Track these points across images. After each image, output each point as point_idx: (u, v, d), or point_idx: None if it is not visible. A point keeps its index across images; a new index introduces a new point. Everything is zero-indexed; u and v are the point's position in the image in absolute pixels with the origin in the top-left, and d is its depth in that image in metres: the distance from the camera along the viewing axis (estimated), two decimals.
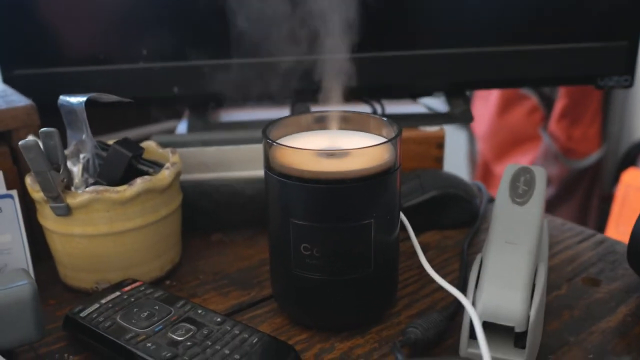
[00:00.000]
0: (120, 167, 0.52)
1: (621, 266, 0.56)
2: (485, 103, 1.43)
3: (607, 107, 1.27)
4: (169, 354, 0.41)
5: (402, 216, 0.50)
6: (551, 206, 1.30)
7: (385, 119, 0.49)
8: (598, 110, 1.27)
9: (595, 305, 0.50)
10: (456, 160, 1.57)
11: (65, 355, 0.46)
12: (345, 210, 0.44)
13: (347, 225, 0.44)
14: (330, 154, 0.45)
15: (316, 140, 0.49)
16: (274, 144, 0.45)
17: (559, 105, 1.28)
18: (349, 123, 0.50)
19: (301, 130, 0.50)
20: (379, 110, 0.72)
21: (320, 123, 0.50)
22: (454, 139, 1.62)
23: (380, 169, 0.44)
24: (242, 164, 0.61)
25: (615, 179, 1.25)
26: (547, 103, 1.32)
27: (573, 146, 1.29)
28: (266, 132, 0.46)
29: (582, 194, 1.30)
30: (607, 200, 1.27)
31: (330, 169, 0.43)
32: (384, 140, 0.47)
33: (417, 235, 0.60)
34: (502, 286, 0.43)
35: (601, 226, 1.26)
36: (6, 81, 0.65)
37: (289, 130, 0.49)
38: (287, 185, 0.44)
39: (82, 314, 0.46)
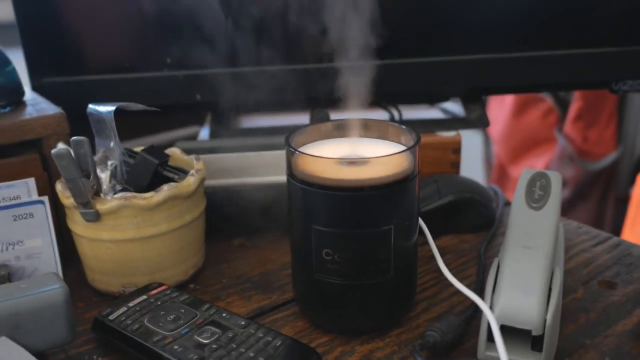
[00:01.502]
0: (147, 174, 0.53)
1: (637, 269, 0.56)
2: (501, 106, 1.43)
3: (623, 108, 1.27)
4: (195, 357, 0.43)
5: (421, 221, 0.51)
6: (567, 208, 1.31)
7: (404, 126, 0.50)
8: (614, 111, 1.27)
9: (611, 308, 0.51)
10: (472, 164, 1.57)
11: (95, 356, 0.48)
12: (365, 216, 0.45)
13: (367, 232, 0.45)
14: (351, 162, 0.46)
15: (337, 148, 0.50)
16: (297, 152, 0.47)
17: (574, 107, 1.29)
18: (369, 130, 0.52)
19: (322, 138, 0.51)
20: (396, 116, 0.73)
21: (341, 131, 0.52)
22: (470, 142, 1.63)
23: (399, 176, 0.45)
24: (263, 169, 0.63)
25: (631, 181, 1.25)
26: (563, 105, 1.33)
27: (588, 148, 1.29)
28: (288, 141, 0.48)
29: (598, 196, 1.30)
30: (623, 202, 1.28)
31: (351, 177, 0.45)
32: (404, 148, 0.48)
33: (434, 239, 0.61)
34: (519, 290, 0.44)
35: (617, 228, 1.26)
36: (35, 89, 0.67)
37: (310, 138, 0.51)
38: (309, 192, 0.45)
39: (111, 317, 0.48)
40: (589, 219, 1.31)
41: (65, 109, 0.59)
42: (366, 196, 0.44)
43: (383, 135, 0.51)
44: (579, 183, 1.31)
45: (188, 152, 0.60)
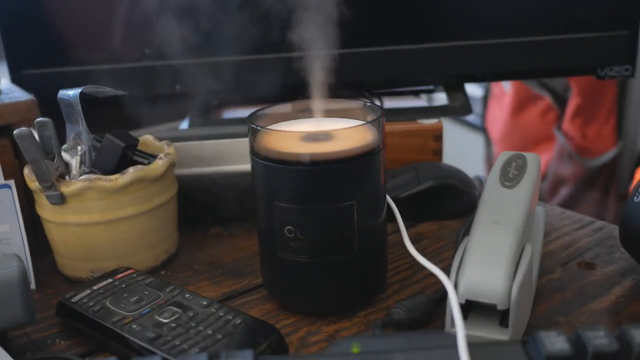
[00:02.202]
0: (114, 157, 0.53)
1: (619, 250, 0.55)
2: (499, 106, 1.42)
3: (622, 104, 1.25)
4: (152, 335, 0.42)
5: (389, 200, 0.50)
6: (567, 206, 1.28)
7: (368, 103, 0.49)
8: (612, 108, 1.25)
9: (588, 287, 0.50)
10: (475, 166, 1.56)
11: (57, 340, 0.47)
12: (326, 191, 0.44)
13: (328, 207, 0.44)
14: (312, 136, 0.45)
15: (301, 126, 0.49)
16: (258, 128, 0.46)
17: (572, 104, 1.27)
18: (334, 111, 0.51)
19: (287, 119, 0.51)
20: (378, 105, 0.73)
21: (306, 112, 0.51)
22: (473, 144, 1.62)
23: (360, 150, 0.44)
24: (239, 157, 0.62)
25: (632, 177, 1.23)
26: (561, 102, 1.31)
27: (588, 145, 1.27)
28: (251, 120, 0.47)
29: (599, 193, 1.28)
30: (624, 199, 1.25)
31: (311, 151, 0.44)
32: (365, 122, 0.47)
33: (414, 225, 0.60)
34: (485, 264, 0.43)
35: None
36: (15, 81, 0.68)
37: (275, 119, 0.50)
38: (270, 168, 0.45)
39: (74, 300, 0.47)
40: (590, 215, 1.29)
41: (45, 100, 0.58)
42: (326, 170, 0.43)
43: (349, 115, 0.50)
44: (580, 180, 1.29)
45: (163, 139, 0.60)
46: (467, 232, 0.60)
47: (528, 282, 0.44)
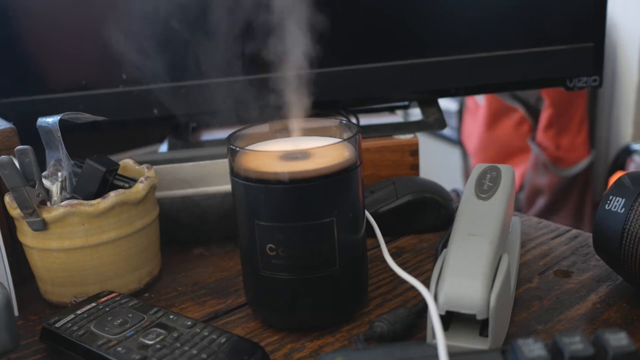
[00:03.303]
0: (94, 182, 0.53)
1: (594, 257, 0.56)
2: (474, 120, 1.44)
3: (594, 113, 1.28)
4: (138, 357, 0.42)
5: (368, 215, 0.51)
6: (544, 216, 1.30)
7: (344, 121, 0.50)
8: (584, 117, 1.28)
9: (565, 295, 0.51)
10: (446, 174, 1.58)
11: None
12: (306, 209, 0.45)
13: (308, 224, 0.45)
14: (290, 155, 0.46)
15: (279, 146, 0.50)
16: (237, 149, 0.47)
17: (544, 115, 1.30)
18: (311, 130, 0.52)
19: (264, 139, 0.52)
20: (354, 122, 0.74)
21: (283, 132, 0.52)
22: (450, 157, 1.64)
23: (339, 167, 0.45)
24: (219, 177, 0.63)
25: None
26: (534, 114, 1.34)
27: (562, 155, 1.29)
28: (230, 141, 0.48)
29: (575, 202, 1.30)
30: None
31: (289, 170, 0.45)
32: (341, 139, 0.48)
33: (394, 240, 0.61)
34: (463, 275, 0.43)
35: None
36: None
37: (253, 139, 0.51)
38: (250, 187, 0.45)
39: (57, 325, 0.47)
40: (567, 224, 1.31)
41: (25, 128, 0.59)
42: (305, 187, 0.44)
43: (326, 133, 0.51)
44: (555, 190, 1.31)
45: (142, 163, 0.60)
46: (445, 244, 0.61)
47: (506, 291, 0.45)
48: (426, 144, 0.70)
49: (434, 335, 0.44)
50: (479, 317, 0.42)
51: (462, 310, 0.42)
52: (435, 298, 0.43)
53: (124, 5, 0.68)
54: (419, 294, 0.52)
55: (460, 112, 1.55)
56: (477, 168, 0.55)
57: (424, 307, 0.50)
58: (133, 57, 0.69)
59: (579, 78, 0.72)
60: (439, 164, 1.39)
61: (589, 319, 0.48)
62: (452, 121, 1.55)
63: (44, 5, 0.67)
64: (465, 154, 1.53)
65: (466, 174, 1.55)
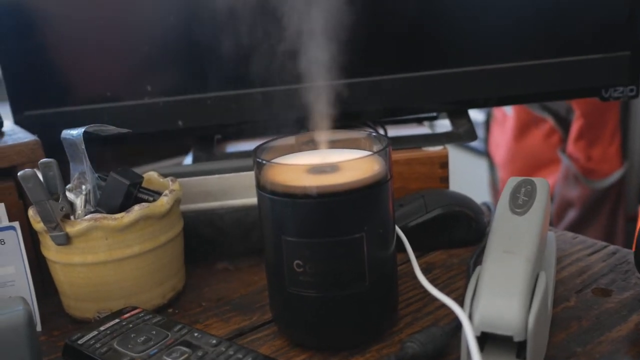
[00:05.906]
0: (118, 196, 0.52)
1: (634, 275, 0.54)
2: (502, 130, 1.42)
3: (627, 124, 1.24)
4: None
5: (398, 230, 0.49)
6: (576, 229, 1.27)
7: (373, 134, 0.49)
8: (617, 128, 1.25)
9: (605, 315, 0.49)
10: (479, 190, 1.55)
11: None
12: (333, 224, 0.43)
13: (337, 240, 0.44)
14: (318, 168, 0.45)
15: (307, 159, 0.49)
16: (264, 162, 0.45)
17: (575, 126, 1.27)
18: (339, 142, 0.50)
19: (292, 152, 0.50)
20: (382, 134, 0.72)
21: (310, 144, 0.51)
22: (477, 169, 1.61)
23: (367, 181, 0.44)
24: (244, 190, 0.62)
25: None
26: (564, 125, 1.31)
27: (593, 166, 1.26)
28: (256, 153, 0.46)
29: (607, 215, 1.27)
30: (633, 221, 1.24)
31: (317, 184, 0.43)
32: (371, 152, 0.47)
33: (423, 255, 0.59)
34: (499, 295, 0.42)
35: (628, 247, 1.22)
36: (17, 123, 0.67)
37: (279, 152, 0.50)
38: (277, 202, 0.44)
39: (80, 342, 0.46)
40: (600, 239, 1.28)
41: (49, 140, 0.58)
42: (334, 202, 0.43)
43: (354, 145, 0.50)
44: (587, 203, 1.28)
45: (167, 176, 0.59)
46: (478, 260, 0.59)
47: (544, 311, 0.43)
48: (452, 155, 0.68)
49: (468, 357, 0.42)
50: (516, 339, 0.40)
51: (499, 332, 0.40)
52: (470, 318, 0.41)
53: (149, 18, 0.67)
54: (450, 312, 0.50)
55: (487, 123, 1.52)
56: (511, 181, 0.53)
57: (457, 326, 0.48)
58: (158, 68, 0.69)
59: (614, 88, 0.69)
60: (465, 175, 1.36)
61: (632, 340, 0.45)
62: (479, 132, 1.52)
63: (68, 17, 0.67)
64: (492, 166, 1.50)
65: (493, 186, 1.52)
